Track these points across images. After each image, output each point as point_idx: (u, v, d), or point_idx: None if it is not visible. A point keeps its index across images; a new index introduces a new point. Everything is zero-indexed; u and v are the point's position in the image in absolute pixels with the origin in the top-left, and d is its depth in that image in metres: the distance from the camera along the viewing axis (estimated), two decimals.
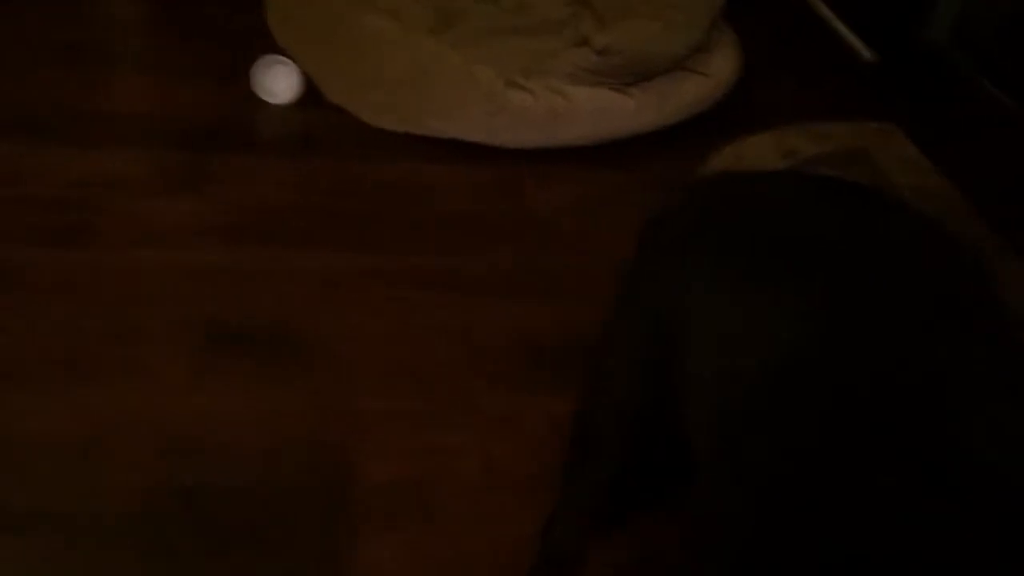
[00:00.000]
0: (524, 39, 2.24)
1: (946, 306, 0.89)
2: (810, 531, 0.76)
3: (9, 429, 1.29)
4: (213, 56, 2.15)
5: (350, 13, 2.04)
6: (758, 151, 2.08)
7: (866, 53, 2.50)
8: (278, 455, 1.31)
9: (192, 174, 1.78)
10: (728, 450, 0.84)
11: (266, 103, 2.03)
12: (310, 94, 2.04)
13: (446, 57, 1.97)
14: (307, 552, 1.20)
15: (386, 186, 1.84)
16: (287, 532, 1.22)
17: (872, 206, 0.99)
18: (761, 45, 2.45)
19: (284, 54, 2.06)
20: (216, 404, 1.36)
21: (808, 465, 0.78)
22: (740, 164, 2.04)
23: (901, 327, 0.85)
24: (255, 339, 1.46)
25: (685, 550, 0.95)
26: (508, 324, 1.56)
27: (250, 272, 1.58)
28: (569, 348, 1.47)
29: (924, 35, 2.44)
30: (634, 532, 1.21)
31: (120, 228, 1.63)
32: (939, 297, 0.90)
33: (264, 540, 1.21)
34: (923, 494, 0.74)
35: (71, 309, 1.47)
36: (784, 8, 2.81)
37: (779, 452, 0.80)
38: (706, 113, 2.11)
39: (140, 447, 1.29)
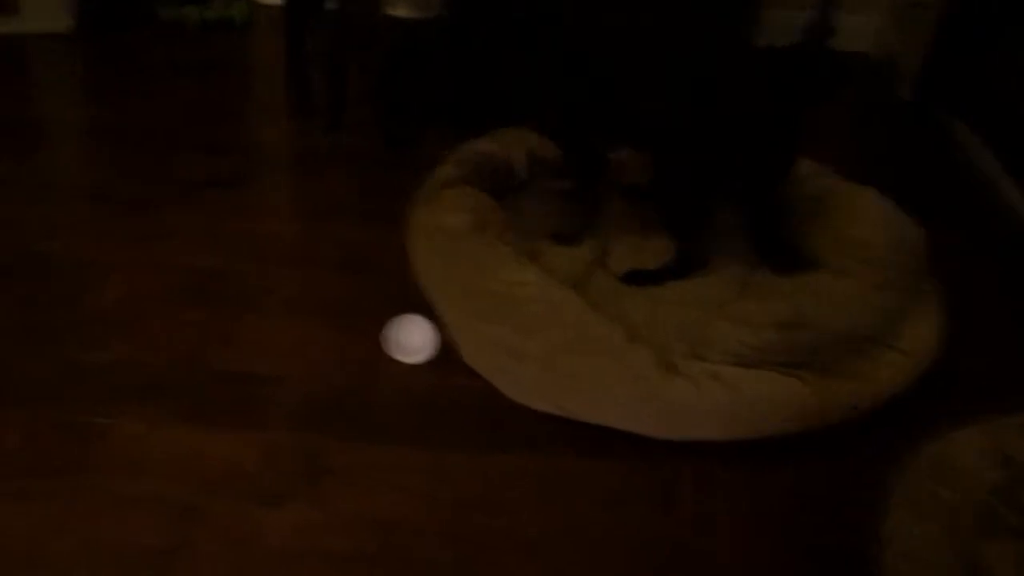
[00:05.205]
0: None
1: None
2: None
3: None
4: (349, 300, 2.05)
5: (491, 265, 1.85)
6: (966, 454, 1.74)
7: None
8: None
9: (306, 468, 1.62)
10: None
11: (397, 362, 1.87)
12: (443, 351, 1.88)
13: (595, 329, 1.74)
14: None
15: (518, 497, 1.60)
16: None
17: None
18: (967, 303, 2.07)
19: (426, 305, 1.92)
20: None
21: None
22: (944, 474, 1.70)
23: None
24: None
25: None
26: None
27: None
28: None
29: None
30: None
31: (218, 548, 1.47)
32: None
33: None
34: None
35: None
36: (997, 255, 2.41)
37: None
38: (900, 395, 1.78)
39: None
